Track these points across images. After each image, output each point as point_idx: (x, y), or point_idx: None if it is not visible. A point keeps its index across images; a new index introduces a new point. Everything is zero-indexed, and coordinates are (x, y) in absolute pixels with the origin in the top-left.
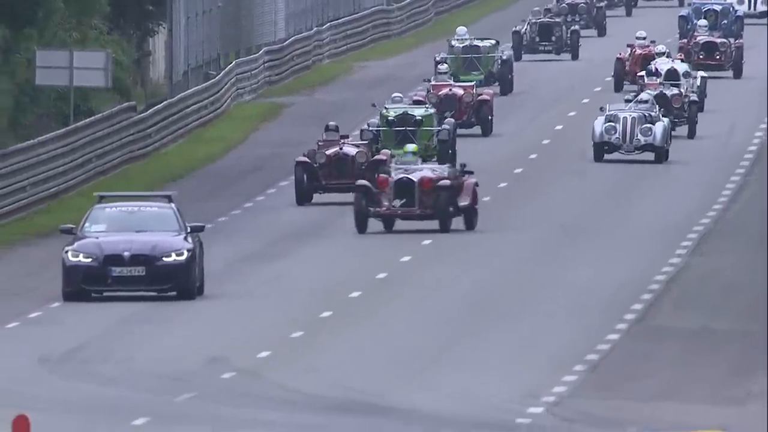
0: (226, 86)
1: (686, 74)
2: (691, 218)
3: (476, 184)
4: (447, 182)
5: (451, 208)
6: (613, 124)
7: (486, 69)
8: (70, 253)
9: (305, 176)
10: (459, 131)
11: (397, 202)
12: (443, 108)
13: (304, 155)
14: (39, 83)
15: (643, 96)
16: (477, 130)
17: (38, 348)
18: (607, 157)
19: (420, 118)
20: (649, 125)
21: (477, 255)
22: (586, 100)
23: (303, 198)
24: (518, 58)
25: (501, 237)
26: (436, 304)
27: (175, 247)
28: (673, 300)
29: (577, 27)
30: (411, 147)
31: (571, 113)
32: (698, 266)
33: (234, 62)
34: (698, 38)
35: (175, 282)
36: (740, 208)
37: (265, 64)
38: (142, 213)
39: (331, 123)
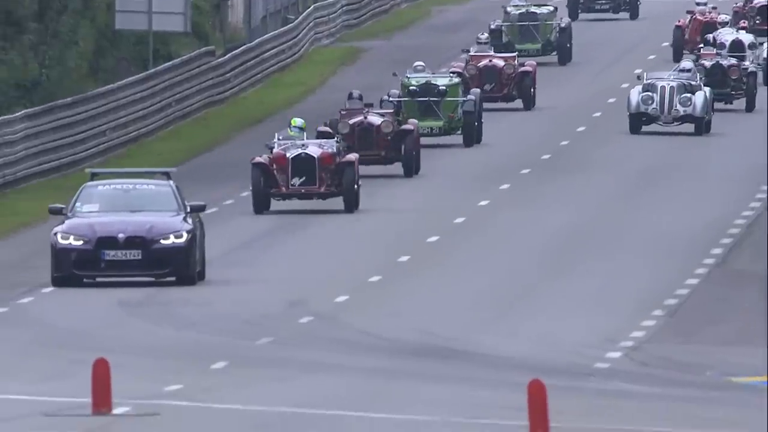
0: (304, 30)
1: (752, 45)
2: None
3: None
4: (354, 156)
5: (356, 186)
6: (650, 93)
7: (544, 38)
8: (59, 235)
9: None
10: (498, 105)
11: (297, 181)
12: (483, 80)
13: (325, 124)
14: (118, 27)
15: (685, 64)
16: (519, 103)
17: (118, 292)
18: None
19: (444, 87)
20: (688, 95)
21: (555, 199)
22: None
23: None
24: (574, 17)
25: (580, 181)
26: (515, 248)
27: (173, 228)
28: (753, 244)
29: None
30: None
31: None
32: None
33: (312, 6)
34: (755, 2)
35: (173, 266)
36: None
37: (343, 8)
38: (138, 191)
39: (355, 91)
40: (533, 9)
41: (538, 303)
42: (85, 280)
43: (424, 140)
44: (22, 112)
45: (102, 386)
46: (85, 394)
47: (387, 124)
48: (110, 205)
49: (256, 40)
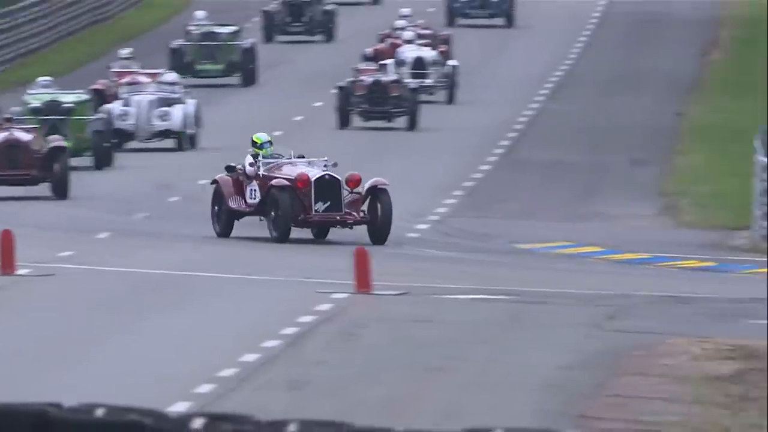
0: None
1: (436, 62)
2: (549, 69)
3: None
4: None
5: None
6: (127, 108)
7: (226, 58)
8: None
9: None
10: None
11: (320, 206)
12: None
13: None
14: None
15: (168, 77)
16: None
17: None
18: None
19: (70, 105)
20: (166, 108)
21: None
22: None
23: None
24: (269, 39)
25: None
26: None
27: None
28: (533, 137)
29: (331, 7)
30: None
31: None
32: (553, 110)
33: None
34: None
35: None
36: (586, 62)
37: None
38: None
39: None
40: (215, 29)
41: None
42: None
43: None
44: None
45: (7, 252)
46: None
47: (36, 141)
48: None
49: None
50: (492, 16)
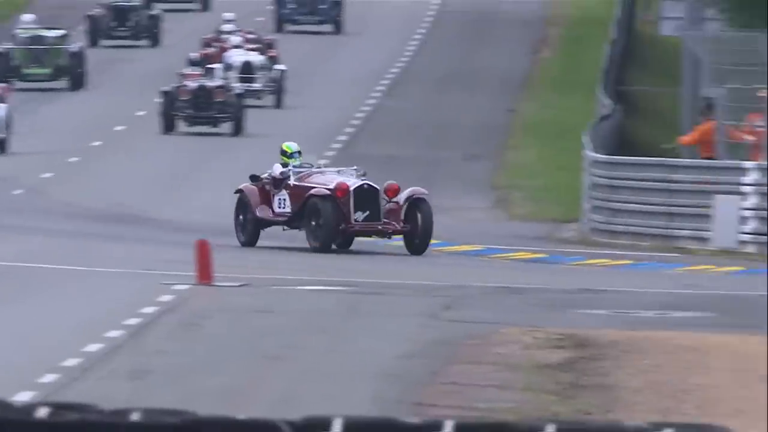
0: None
1: (264, 67)
2: (384, 67)
3: None
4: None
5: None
6: None
7: (53, 62)
8: None
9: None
10: None
11: (360, 215)
12: None
13: None
14: None
15: None
16: None
17: None
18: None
19: None
20: None
21: None
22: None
23: None
24: (94, 43)
25: None
26: None
27: None
28: (369, 134)
29: (156, 12)
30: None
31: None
32: (389, 108)
33: None
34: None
35: None
36: (421, 60)
37: None
38: None
39: None
40: (42, 32)
41: (204, 179)
42: None
43: None
44: None
45: None
46: None
47: None
48: None
49: None
50: (321, 22)
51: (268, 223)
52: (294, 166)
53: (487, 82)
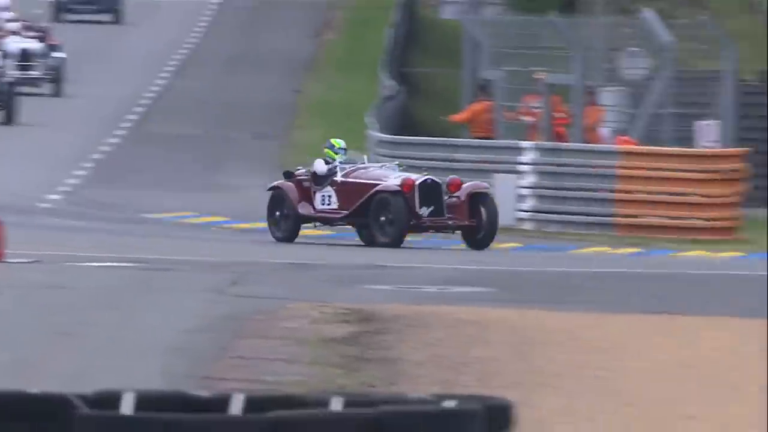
0: None
1: (43, 55)
2: (170, 50)
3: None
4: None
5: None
6: None
7: None
8: None
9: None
10: None
11: (425, 210)
12: None
13: None
14: None
15: None
16: None
17: None
18: None
19: None
20: None
21: None
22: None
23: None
24: None
25: None
26: None
27: None
28: (159, 113)
29: None
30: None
31: None
32: (179, 87)
33: None
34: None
35: None
36: (209, 43)
37: None
38: None
39: None
40: None
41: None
42: None
43: None
44: None
45: None
46: None
47: None
48: None
49: None
50: (99, 11)
51: (307, 219)
52: (340, 162)
53: (274, 63)
